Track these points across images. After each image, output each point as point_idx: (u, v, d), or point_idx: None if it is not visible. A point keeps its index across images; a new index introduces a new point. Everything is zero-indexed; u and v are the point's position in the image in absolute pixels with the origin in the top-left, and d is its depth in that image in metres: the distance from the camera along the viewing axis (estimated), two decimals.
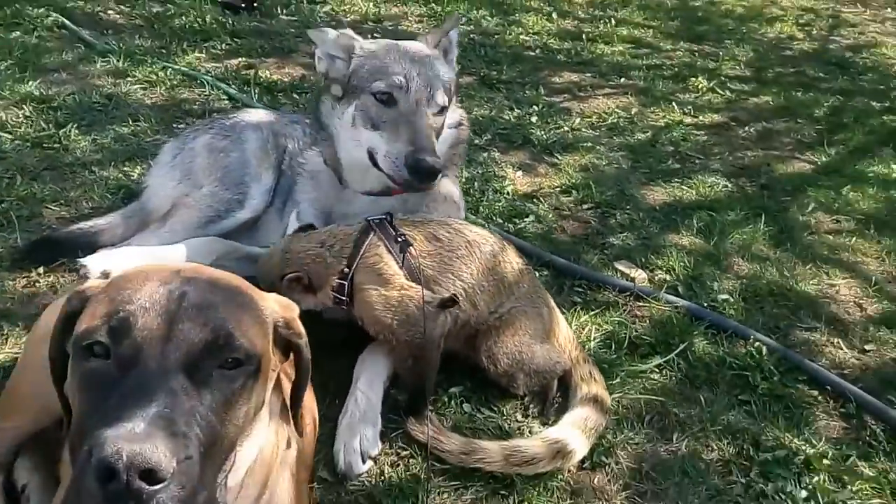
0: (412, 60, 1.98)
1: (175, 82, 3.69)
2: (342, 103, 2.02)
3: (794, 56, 5.68)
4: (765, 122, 4.32)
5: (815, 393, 2.16)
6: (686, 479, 1.84)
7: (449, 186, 2.21)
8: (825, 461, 1.89)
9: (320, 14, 5.21)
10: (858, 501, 1.81)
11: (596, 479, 1.83)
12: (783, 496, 1.80)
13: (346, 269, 1.84)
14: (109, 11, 4.63)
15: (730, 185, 3.44)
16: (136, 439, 0.88)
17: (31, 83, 3.37)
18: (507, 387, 2.00)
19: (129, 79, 3.65)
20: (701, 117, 4.28)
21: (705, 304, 2.49)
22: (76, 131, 3.03)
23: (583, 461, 1.85)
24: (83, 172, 2.78)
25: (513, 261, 2.04)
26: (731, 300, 2.53)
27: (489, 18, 5.60)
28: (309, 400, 1.59)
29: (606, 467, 1.86)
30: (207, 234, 2.28)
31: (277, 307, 1.22)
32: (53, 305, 1.71)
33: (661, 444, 1.94)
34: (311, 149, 2.30)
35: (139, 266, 1.19)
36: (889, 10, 7.48)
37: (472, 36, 5.19)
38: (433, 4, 5.67)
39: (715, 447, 1.94)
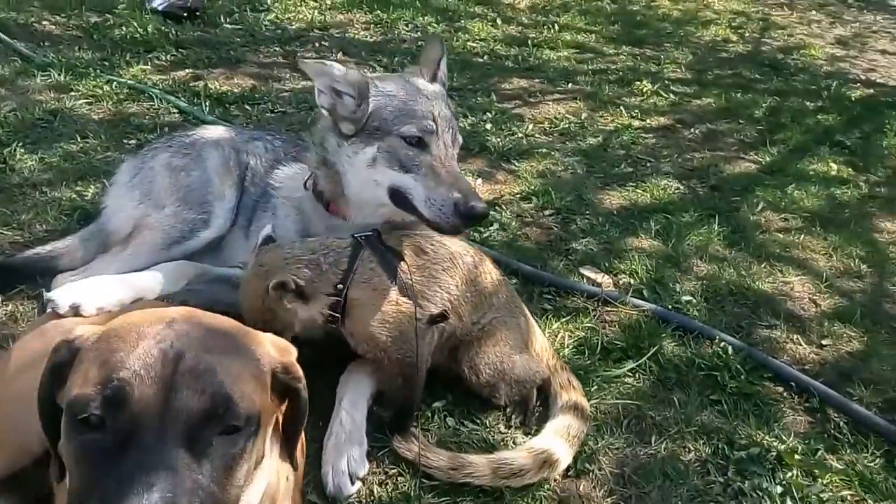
0: (432, 100, 1.96)
1: (122, 96, 3.57)
2: (354, 143, 1.94)
3: (731, 58, 5.88)
4: (709, 124, 4.47)
5: (781, 389, 2.25)
6: (667, 481, 1.89)
7: None
8: (796, 456, 1.97)
9: (265, 22, 5.14)
10: (830, 494, 1.89)
11: (581, 487, 1.85)
12: (760, 493, 1.86)
13: (340, 285, 1.81)
14: (44, 22, 4.45)
15: (682, 188, 3.55)
16: None
17: None
18: (488, 397, 2.01)
19: (72, 93, 3.51)
20: (648, 120, 4.40)
21: (670, 307, 2.56)
22: (21, 150, 2.90)
23: (567, 469, 1.88)
24: (33, 193, 2.66)
25: (491, 272, 2.05)
26: (694, 301, 2.61)
27: (435, 25, 5.62)
28: None
29: (590, 474, 1.89)
30: (172, 255, 2.21)
31: (275, 352, 1.18)
32: (23, 340, 1.63)
33: (640, 448, 1.98)
34: (278, 168, 2.26)
35: (129, 317, 1.12)
36: (814, 12, 7.84)
37: (419, 43, 5.19)
38: (378, 12, 5.64)
39: (692, 448, 2.00)
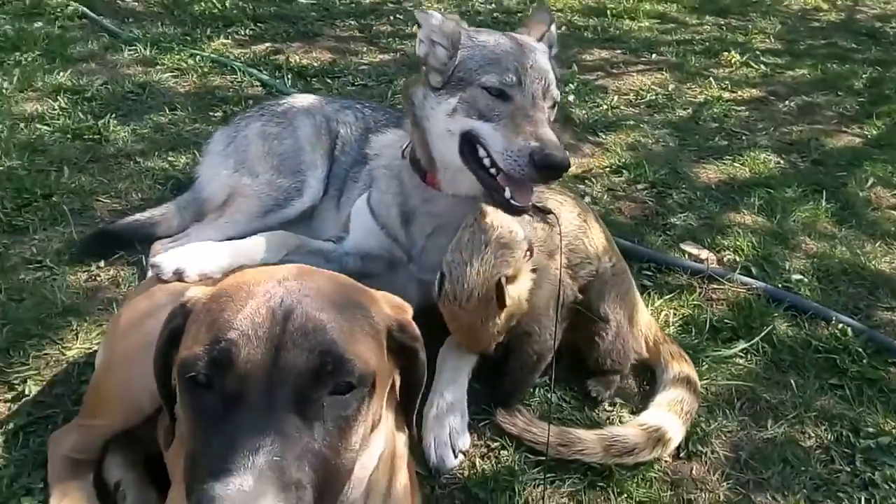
0: (525, 53, 1.83)
1: (205, 69, 3.58)
2: (440, 94, 1.83)
3: (823, 27, 5.55)
4: (804, 96, 4.22)
5: None
6: (787, 467, 1.77)
7: None
8: None
9: None
10: None
11: (693, 469, 1.76)
12: (893, 485, 1.73)
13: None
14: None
15: (782, 162, 3.35)
16: (245, 500, 0.81)
17: (61, 74, 3.27)
18: (595, 368, 1.93)
19: (158, 67, 3.54)
20: (739, 92, 4.18)
21: (780, 285, 2.41)
22: (114, 122, 2.94)
23: (678, 450, 1.78)
24: (128, 163, 2.69)
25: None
26: (805, 280, 2.45)
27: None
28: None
29: (703, 456, 1.79)
30: (268, 223, 2.20)
31: (390, 310, 1.11)
32: (131, 303, 1.63)
33: (755, 432, 1.87)
34: (375, 135, 2.19)
35: (240, 276, 1.07)
36: None
37: (494, 15, 5.08)
38: None
39: (812, 434, 1.87)
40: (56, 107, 3.00)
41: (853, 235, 2.75)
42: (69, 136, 2.80)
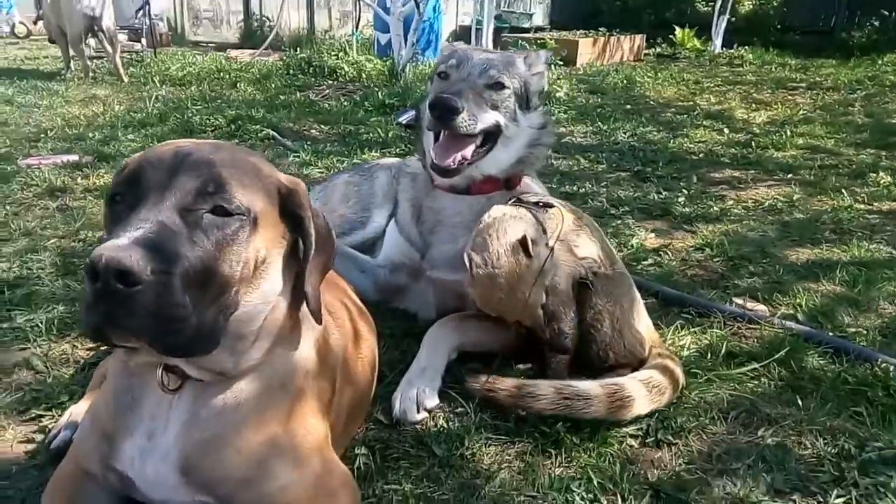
0: (478, 52, 2.18)
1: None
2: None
3: None
4: None
5: None
6: (762, 463, 1.64)
7: (532, 186, 2.31)
8: None
9: None
10: None
11: (657, 455, 1.70)
12: (881, 489, 1.54)
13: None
14: (312, 129, 5.55)
15: (893, 252, 3.12)
16: (116, 249, 1.03)
17: None
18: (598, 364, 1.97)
19: (312, 167, 4.32)
20: (876, 204, 3.96)
21: (830, 334, 2.25)
22: None
23: (646, 437, 1.74)
24: None
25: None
26: (864, 332, 2.27)
27: (655, 133, 5.76)
28: (367, 331, 1.74)
29: (673, 447, 1.73)
30: None
31: (284, 179, 1.29)
32: None
33: (743, 436, 1.76)
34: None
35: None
36: None
37: (631, 143, 5.38)
38: (600, 124, 5.99)
39: (808, 444, 1.72)
40: None
41: None
42: None
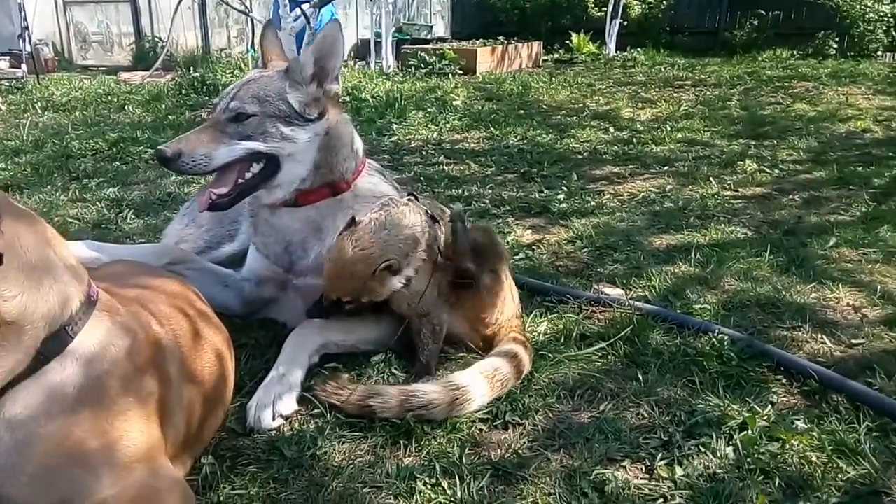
0: (240, 83, 2.17)
1: None
2: None
3: (864, 143, 5.50)
4: (813, 191, 4.18)
5: (780, 377, 1.99)
6: (600, 435, 1.74)
7: (378, 185, 2.30)
8: (760, 422, 1.73)
9: (388, 143, 5.79)
10: (793, 455, 1.62)
11: (503, 436, 1.77)
12: (703, 449, 1.66)
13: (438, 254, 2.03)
14: None
15: (750, 233, 3.34)
16: None
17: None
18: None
19: (195, 185, 4.25)
20: (741, 190, 4.22)
21: (678, 311, 2.40)
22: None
23: (494, 419, 1.82)
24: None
25: None
26: (710, 308, 2.43)
27: (544, 136, 5.94)
28: (214, 335, 1.74)
29: (519, 427, 1.80)
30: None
31: None
32: None
33: (586, 412, 1.86)
34: None
35: None
36: None
37: (520, 146, 5.54)
38: (493, 129, 6.14)
39: (645, 414, 1.83)
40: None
41: (789, 281, 2.68)
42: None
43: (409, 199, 2.08)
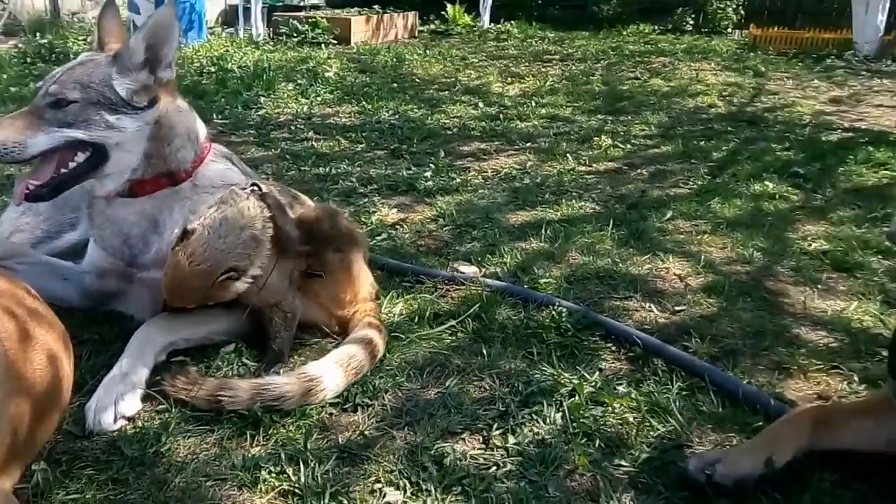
0: (65, 66, 2.07)
1: None
2: None
3: (709, 118, 5.93)
4: (659, 165, 4.49)
5: (609, 344, 2.17)
6: (443, 410, 1.84)
7: (225, 174, 2.25)
8: (588, 388, 1.89)
9: (255, 117, 5.63)
10: (611, 417, 1.79)
11: (353, 418, 1.83)
12: (535, 416, 1.79)
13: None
14: None
15: (598, 207, 3.56)
16: None
17: None
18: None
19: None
20: (595, 165, 4.46)
21: (525, 286, 2.54)
22: None
23: (345, 403, 1.87)
24: None
25: None
26: (555, 282, 2.59)
27: (416, 111, 5.98)
28: (47, 334, 1.67)
29: (369, 408, 1.87)
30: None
31: None
32: None
33: (433, 389, 1.95)
34: None
35: None
36: (816, 80, 7.84)
37: (392, 122, 5.56)
38: (364, 104, 6.10)
39: (487, 387, 1.95)
40: None
41: (627, 253, 2.90)
42: None
43: (250, 191, 2.06)
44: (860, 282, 2.64)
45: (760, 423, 1.72)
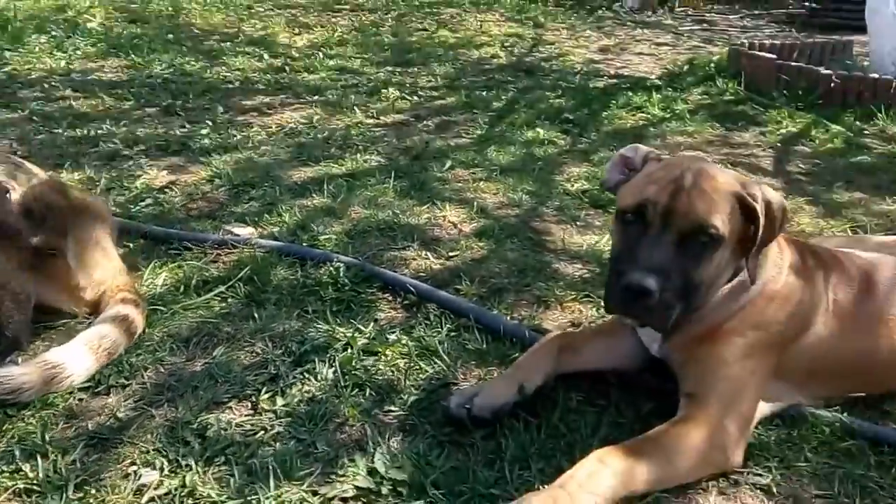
0: None
1: None
2: None
3: (492, 69, 6.15)
4: (444, 116, 4.58)
5: (387, 295, 2.20)
6: (209, 381, 1.76)
7: None
8: (361, 341, 1.90)
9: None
10: (385, 364, 1.82)
11: (107, 401, 1.69)
12: (307, 375, 1.77)
13: None
14: None
15: (383, 160, 3.57)
16: None
17: None
18: None
19: None
20: (383, 118, 4.45)
21: (303, 244, 2.49)
22: None
23: (97, 386, 1.72)
24: None
25: None
26: (334, 238, 2.56)
27: (193, 63, 5.57)
28: None
29: (126, 388, 1.74)
30: None
31: None
32: None
33: (200, 360, 1.86)
34: None
35: None
36: (588, 31, 8.43)
37: (166, 76, 5.14)
38: (134, 57, 5.57)
39: (259, 351, 1.89)
40: None
41: (407, 204, 2.94)
42: None
43: None
44: (612, 216, 2.90)
45: (517, 355, 1.83)
